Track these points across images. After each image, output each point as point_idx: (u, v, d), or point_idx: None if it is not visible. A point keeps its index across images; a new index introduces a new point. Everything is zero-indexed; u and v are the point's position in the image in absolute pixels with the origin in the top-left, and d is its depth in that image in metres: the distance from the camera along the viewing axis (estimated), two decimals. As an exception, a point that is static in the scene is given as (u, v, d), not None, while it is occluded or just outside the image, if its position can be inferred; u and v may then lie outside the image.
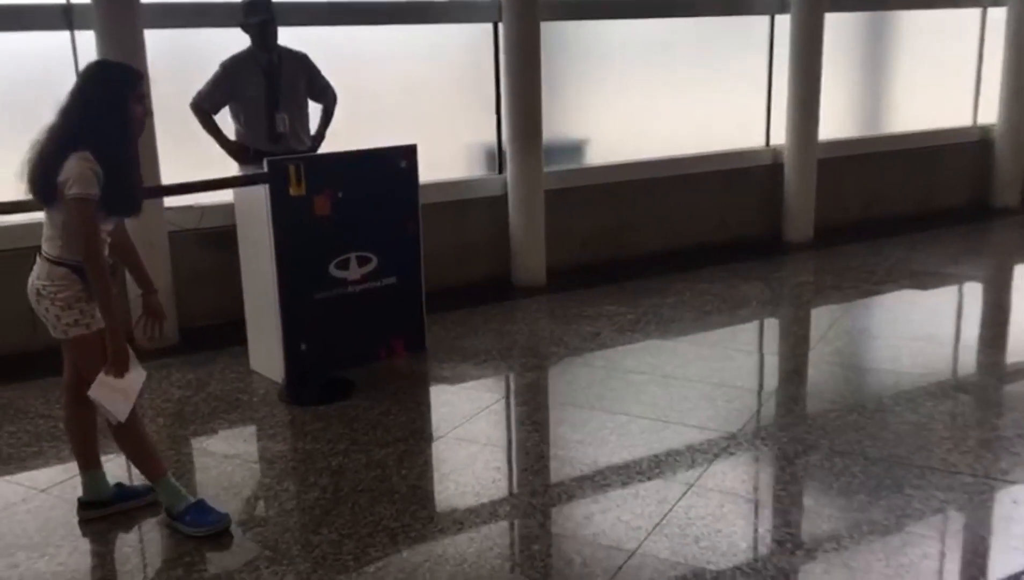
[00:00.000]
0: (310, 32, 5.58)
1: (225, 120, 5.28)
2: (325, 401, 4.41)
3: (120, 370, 3.13)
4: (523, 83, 6.09)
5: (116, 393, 3.15)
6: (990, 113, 8.30)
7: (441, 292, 5.63)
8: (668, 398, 4.38)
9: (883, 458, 3.70)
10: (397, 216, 4.90)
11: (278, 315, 4.54)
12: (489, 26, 6.25)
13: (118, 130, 3.09)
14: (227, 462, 3.85)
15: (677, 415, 4.16)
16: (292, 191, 4.37)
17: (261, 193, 4.50)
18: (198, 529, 3.25)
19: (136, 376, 3.21)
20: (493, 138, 6.42)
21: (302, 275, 4.56)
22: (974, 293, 6.42)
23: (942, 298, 6.18)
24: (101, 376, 3.12)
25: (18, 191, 3.13)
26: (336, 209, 4.62)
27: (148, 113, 3.29)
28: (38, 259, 3.18)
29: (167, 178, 5.13)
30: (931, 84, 8.06)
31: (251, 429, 4.21)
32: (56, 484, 3.67)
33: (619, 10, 6.63)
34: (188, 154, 5.35)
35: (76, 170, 2.99)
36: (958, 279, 6.56)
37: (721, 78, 7.15)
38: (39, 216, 3.21)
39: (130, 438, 3.29)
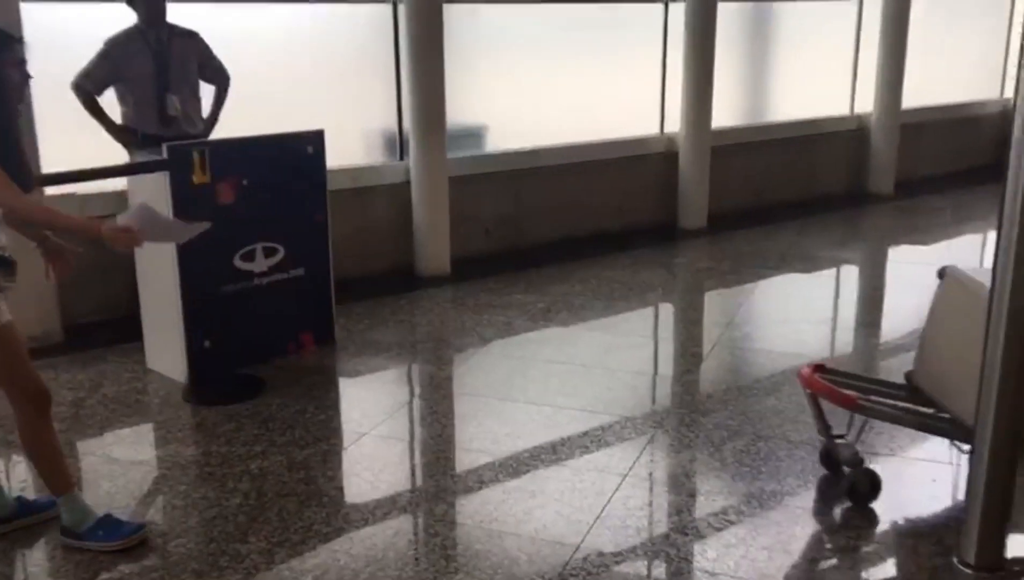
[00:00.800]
0: (200, 10, 5.27)
1: (110, 102, 4.95)
2: (234, 400, 4.17)
3: (129, 239, 3.02)
4: (425, 68, 5.95)
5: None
6: (866, 102, 8.65)
7: (345, 282, 5.43)
8: (591, 387, 4.36)
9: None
10: (304, 205, 4.69)
11: (179, 311, 4.28)
12: (388, 7, 6.06)
13: None
14: (135, 469, 3.59)
15: (602, 405, 4.14)
16: (196, 179, 4.11)
17: (158, 180, 4.21)
18: (112, 543, 3.01)
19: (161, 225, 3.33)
20: (394, 124, 6.24)
21: (205, 268, 4.30)
22: (864, 275, 6.69)
23: (836, 281, 6.42)
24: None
25: None
26: (240, 198, 4.38)
27: (26, 79, 3.00)
28: None
29: (48, 166, 4.75)
30: (813, 74, 8.35)
31: (157, 433, 3.95)
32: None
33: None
34: (71, 139, 4.98)
35: None
36: (848, 262, 6.83)
37: (617, 65, 7.18)
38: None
39: (40, 447, 3.02)
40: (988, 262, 2.85)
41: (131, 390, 4.35)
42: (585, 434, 3.84)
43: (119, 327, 4.91)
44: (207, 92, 5.19)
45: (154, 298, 4.49)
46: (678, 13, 7.22)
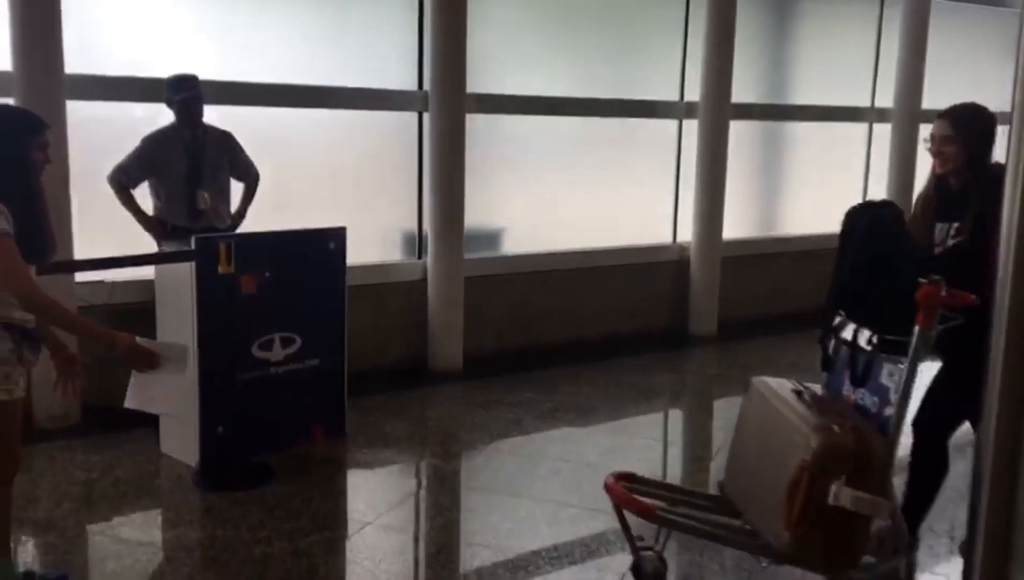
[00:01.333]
0: (236, 111, 5.56)
1: (143, 195, 5.19)
2: (243, 487, 4.25)
3: (143, 361, 3.03)
4: (447, 172, 6.19)
5: (155, 390, 3.04)
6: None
7: (359, 375, 5.54)
8: (594, 486, 4.39)
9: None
10: (323, 298, 4.85)
11: (196, 396, 4.39)
12: (415, 115, 6.35)
13: (18, 177, 2.97)
14: (141, 550, 3.65)
15: (605, 503, 4.16)
16: (220, 269, 4.28)
17: (184, 269, 4.39)
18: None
19: (174, 361, 3.07)
20: (414, 223, 6.46)
21: (224, 355, 4.44)
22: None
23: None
24: (133, 382, 2.98)
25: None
26: (262, 288, 4.54)
27: (48, 162, 3.17)
28: None
29: (81, 253, 4.95)
30: (821, 189, 8.57)
31: (166, 515, 4.03)
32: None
33: (540, 108, 6.85)
34: (104, 229, 5.21)
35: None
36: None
37: (633, 176, 7.43)
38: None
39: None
40: None
41: (143, 473, 4.43)
42: (586, 531, 3.88)
43: (135, 411, 5.01)
44: (236, 188, 5.44)
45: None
46: (691, 129, 7.49)
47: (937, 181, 3.53)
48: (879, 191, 8.75)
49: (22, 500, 4.08)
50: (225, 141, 5.35)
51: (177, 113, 5.17)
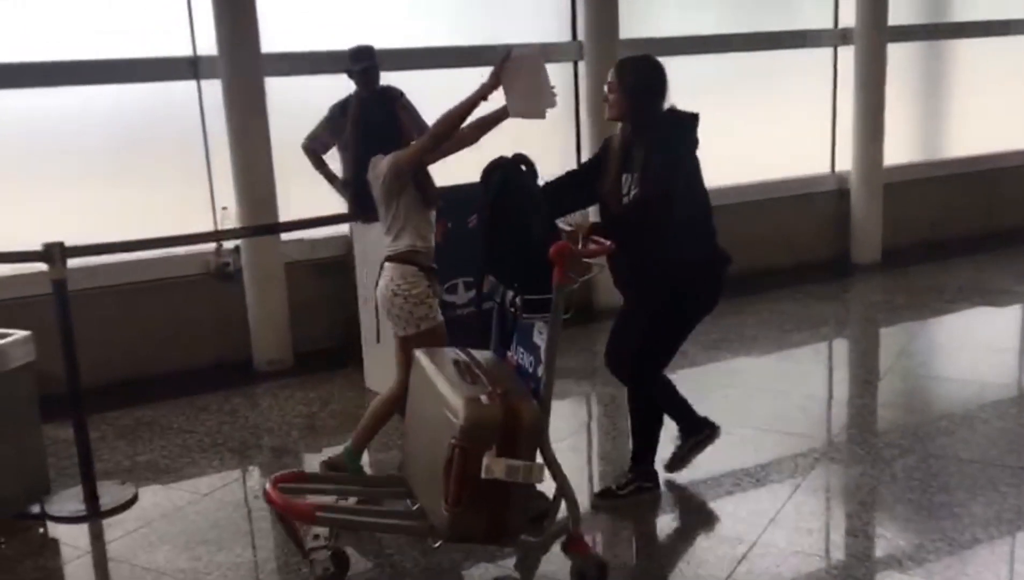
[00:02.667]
0: (407, 76, 6.00)
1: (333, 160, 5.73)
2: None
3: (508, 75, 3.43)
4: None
5: (528, 95, 3.43)
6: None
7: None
8: (764, 410, 4.67)
9: (976, 460, 3.96)
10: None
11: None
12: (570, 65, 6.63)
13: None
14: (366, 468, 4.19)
15: (778, 424, 4.45)
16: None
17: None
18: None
19: (529, 65, 3.43)
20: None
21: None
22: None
23: (1015, 314, 6.40)
24: (510, 96, 3.43)
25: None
26: (446, 238, 4.99)
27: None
28: (385, 266, 3.70)
29: (284, 214, 5.55)
30: (986, 109, 8.30)
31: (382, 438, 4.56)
32: (217, 489, 4.05)
33: (694, 47, 6.97)
34: (303, 190, 5.78)
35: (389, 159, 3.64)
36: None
37: (790, 107, 7.46)
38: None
39: (378, 419, 3.97)
40: None
41: (353, 406, 5.00)
42: (761, 451, 4.16)
43: (340, 353, 5.62)
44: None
45: (371, 328, 5.14)
46: (847, 56, 7.44)
47: (621, 132, 3.57)
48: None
49: (258, 430, 4.75)
50: (400, 103, 5.81)
51: (357, 82, 5.65)
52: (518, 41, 6.44)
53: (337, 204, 5.65)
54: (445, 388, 2.96)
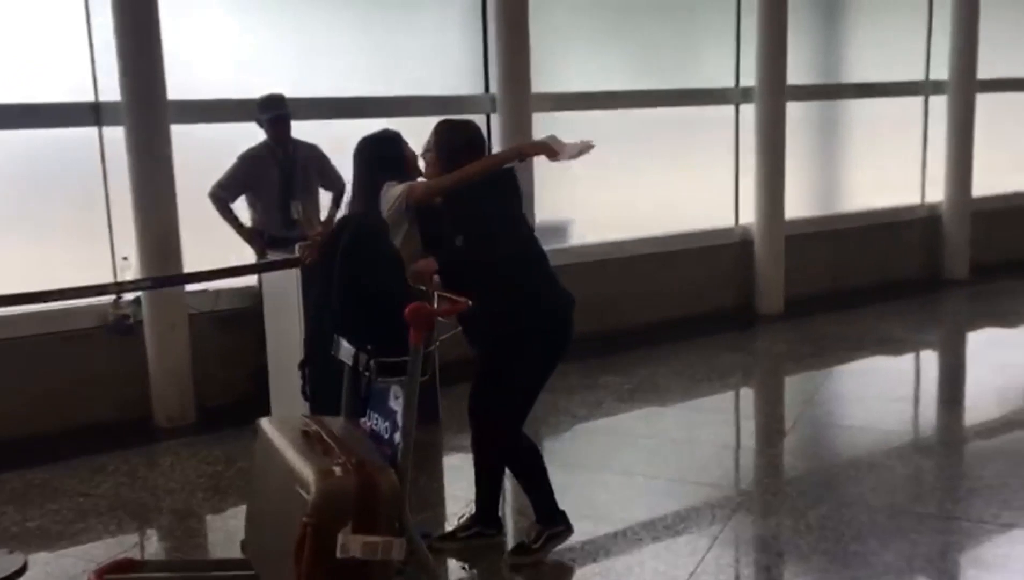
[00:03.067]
0: (318, 125, 5.93)
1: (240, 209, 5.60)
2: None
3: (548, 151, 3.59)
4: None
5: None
6: (936, 192, 8.93)
7: (445, 365, 5.89)
8: (680, 460, 4.70)
9: (885, 507, 4.04)
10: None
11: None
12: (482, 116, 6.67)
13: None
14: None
15: (692, 475, 4.47)
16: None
17: (288, 276, 4.79)
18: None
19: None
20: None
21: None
22: (940, 357, 6.90)
23: (912, 363, 6.65)
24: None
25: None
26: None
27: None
28: None
29: (189, 264, 5.37)
30: (879, 165, 8.70)
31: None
32: (114, 557, 3.81)
33: (602, 102, 7.11)
34: (207, 240, 5.62)
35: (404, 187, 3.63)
36: (924, 345, 7.05)
37: (694, 162, 7.66)
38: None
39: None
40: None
41: (262, 464, 4.83)
42: (677, 501, 4.17)
43: (244, 408, 5.43)
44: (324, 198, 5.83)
45: (280, 383, 5.01)
46: (748, 113, 7.70)
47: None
48: (938, 162, 8.85)
49: (159, 492, 4.53)
50: (313, 153, 5.73)
51: (268, 131, 5.57)
52: (431, 93, 6.52)
53: (245, 254, 5.53)
54: (294, 460, 2.71)
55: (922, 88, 8.83)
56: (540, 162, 6.50)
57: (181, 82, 5.38)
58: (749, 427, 5.41)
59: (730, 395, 6.00)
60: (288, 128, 5.59)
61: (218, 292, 5.65)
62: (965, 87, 8.61)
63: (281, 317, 4.96)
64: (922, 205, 9.00)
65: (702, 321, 7.47)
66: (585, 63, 7.19)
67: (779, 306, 7.81)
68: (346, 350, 3.02)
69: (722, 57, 7.73)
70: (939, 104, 8.84)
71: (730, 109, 7.80)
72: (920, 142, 8.98)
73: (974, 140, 8.69)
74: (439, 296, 3.01)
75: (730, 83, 7.76)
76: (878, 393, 5.76)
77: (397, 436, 2.90)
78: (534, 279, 3.60)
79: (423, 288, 3.19)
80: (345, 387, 3.18)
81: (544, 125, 6.77)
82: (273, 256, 5.19)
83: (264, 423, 3.07)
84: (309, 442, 2.82)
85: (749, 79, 7.67)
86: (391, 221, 3.58)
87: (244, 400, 5.55)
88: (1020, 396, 5.58)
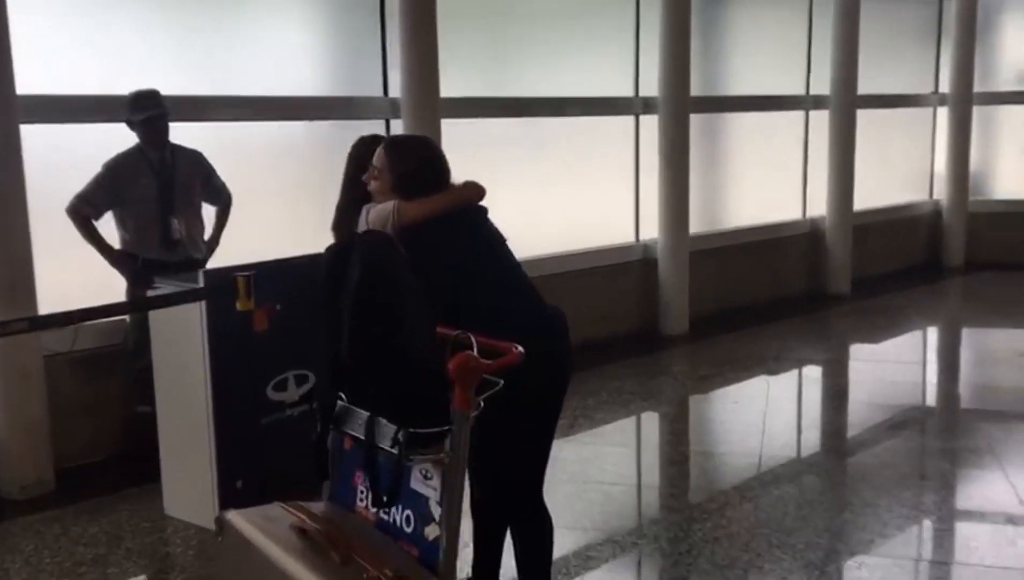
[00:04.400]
0: (201, 128, 5.06)
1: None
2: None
3: None
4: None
5: None
6: (818, 206, 8.93)
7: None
8: (578, 499, 4.27)
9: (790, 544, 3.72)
10: (334, 328, 4.43)
11: (212, 449, 3.92)
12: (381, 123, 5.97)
13: None
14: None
15: (589, 521, 3.97)
16: (239, 305, 3.81)
17: (189, 311, 3.91)
18: None
19: None
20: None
21: (241, 401, 3.97)
22: (829, 378, 6.65)
23: (799, 384, 6.44)
24: None
25: None
26: (274, 324, 4.09)
27: None
28: None
29: (43, 291, 4.37)
30: (765, 181, 8.60)
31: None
32: None
33: (513, 110, 6.58)
34: (63, 264, 4.64)
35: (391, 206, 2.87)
36: (818, 364, 6.93)
37: (592, 176, 7.23)
38: None
39: None
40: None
41: (156, 542, 3.91)
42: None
43: (113, 469, 4.51)
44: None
45: (176, 438, 4.11)
46: (650, 125, 7.35)
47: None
48: (819, 177, 8.86)
49: (25, 588, 3.55)
50: (196, 161, 4.86)
51: (140, 134, 4.66)
52: (328, 94, 5.75)
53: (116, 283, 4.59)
54: (302, 575, 2.08)
55: (803, 102, 8.82)
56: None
57: (34, 75, 4.41)
58: (649, 459, 5.03)
59: (630, 422, 5.59)
60: (166, 130, 4.70)
61: (77, 328, 4.63)
62: (846, 101, 8.65)
63: (177, 352, 4.05)
64: (804, 220, 8.98)
65: (613, 343, 7.01)
66: (494, 70, 6.65)
67: (684, 326, 7.48)
68: (356, 418, 2.30)
69: (622, 66, 7.36)
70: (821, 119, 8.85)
71: (630, 120, 7.43)
72: (801, 156, 8.96)
73: (855, 154, 8.74)
74: (478, 342, 2.32)
75: (630, 93, 7.40)
76: (782, 418, 5.51)
77: (429, 530, 2.21)
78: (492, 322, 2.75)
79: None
80: (340, 461, 2.46)
81: (450, 133, 6.17)
82: (166, 287, 4.22)
83: (234, 519, 2.34)
84: (315, 547, 2.11)
85: (650, 89, 7.33)
86: None
87: (116, 458, 4.63)
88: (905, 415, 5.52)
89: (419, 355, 2.28)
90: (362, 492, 2.42)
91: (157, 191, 4.68)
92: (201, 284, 3.87)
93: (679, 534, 3.88)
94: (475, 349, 2.25)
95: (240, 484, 4.00)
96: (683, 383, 6.41)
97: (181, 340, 3.98)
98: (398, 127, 5.87)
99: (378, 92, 5.98)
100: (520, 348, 2.33)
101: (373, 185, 2.90)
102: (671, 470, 4.84)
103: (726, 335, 7.41)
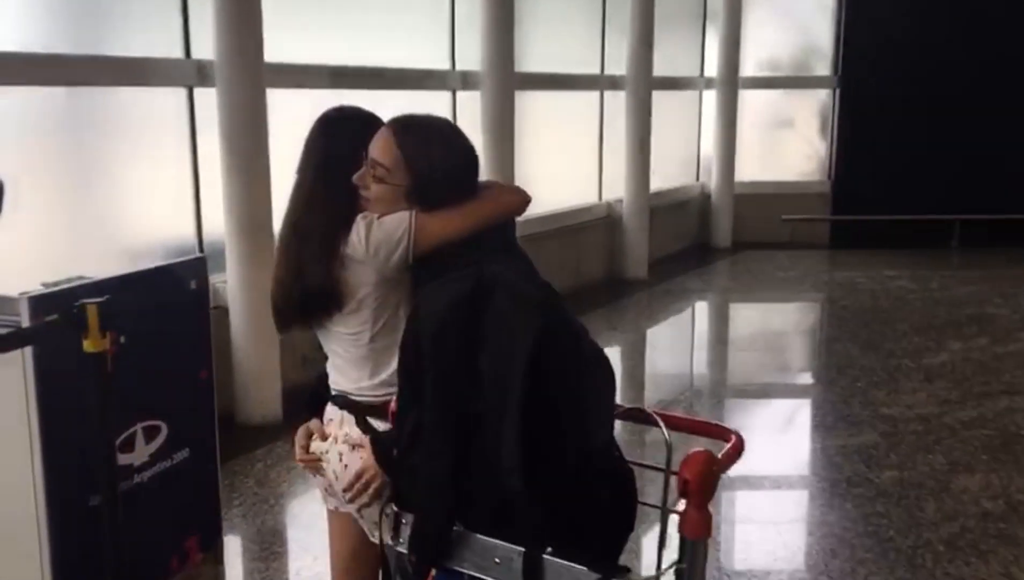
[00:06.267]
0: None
1: None
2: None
3: None
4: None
5: None
6: (615, 190, 8.76)
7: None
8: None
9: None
10: (188, 362, 3.41)
11: (44, 533, 2.83)
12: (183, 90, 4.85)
13: None
14: None
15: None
16: (89, 345, 2.70)
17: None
18: None
19: None
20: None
21: (81, 472, 2.89)
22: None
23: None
24: None
25: None
26: (118, 362, 3.01)
27: None
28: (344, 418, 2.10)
29: None
30: (564, 164, 8.29)
31: None
32: None
33: (335, 80, 5.64)
34: None
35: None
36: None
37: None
38: None
39: None
40: None
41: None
42: None
43: None
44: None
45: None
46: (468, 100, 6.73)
47: None
48: (618, 160, 8.67)
49: None
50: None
51: None
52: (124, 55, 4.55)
53: None
54: None
55: (599, 82, 8.59)
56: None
57: None
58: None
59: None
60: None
61: None
62: (642, 83, 8.52)
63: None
64: (601, 204, 8.79)
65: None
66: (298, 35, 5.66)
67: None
68: (484, 547, 1.52)
69: (439, 39, 6.66)
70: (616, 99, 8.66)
71: (447, 95, 6.75)
72: (597, 139, 8.75)
73: (651, 136, 8.64)
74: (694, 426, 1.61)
75: (447, 66, 6.71)
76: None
77: None
78: None
79: None
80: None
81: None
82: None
83: None
84: None
85: (470, 63, 6.70)
86: (382, 273, 2.03)
87: None
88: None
89: (608, 464, 1.54)
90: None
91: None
92: (26, 319, 2.73)
93: None
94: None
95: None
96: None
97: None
98: (206, 97, 4.78)
99: (177, 53, 4.85)
100: (739, 433, 1.66)
101: (373, 190, 2.03)
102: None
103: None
